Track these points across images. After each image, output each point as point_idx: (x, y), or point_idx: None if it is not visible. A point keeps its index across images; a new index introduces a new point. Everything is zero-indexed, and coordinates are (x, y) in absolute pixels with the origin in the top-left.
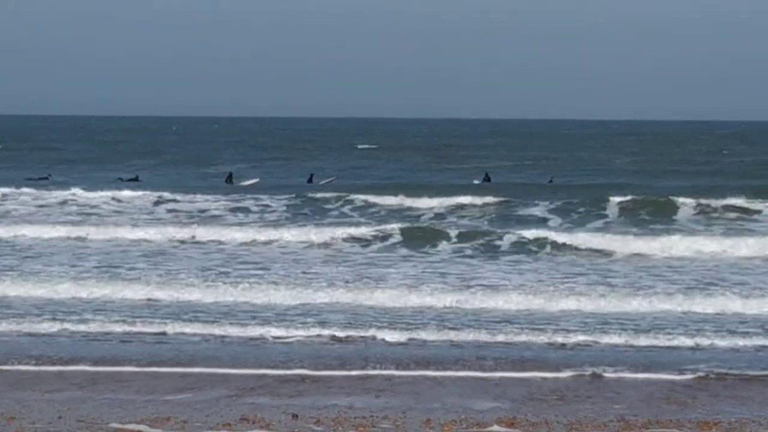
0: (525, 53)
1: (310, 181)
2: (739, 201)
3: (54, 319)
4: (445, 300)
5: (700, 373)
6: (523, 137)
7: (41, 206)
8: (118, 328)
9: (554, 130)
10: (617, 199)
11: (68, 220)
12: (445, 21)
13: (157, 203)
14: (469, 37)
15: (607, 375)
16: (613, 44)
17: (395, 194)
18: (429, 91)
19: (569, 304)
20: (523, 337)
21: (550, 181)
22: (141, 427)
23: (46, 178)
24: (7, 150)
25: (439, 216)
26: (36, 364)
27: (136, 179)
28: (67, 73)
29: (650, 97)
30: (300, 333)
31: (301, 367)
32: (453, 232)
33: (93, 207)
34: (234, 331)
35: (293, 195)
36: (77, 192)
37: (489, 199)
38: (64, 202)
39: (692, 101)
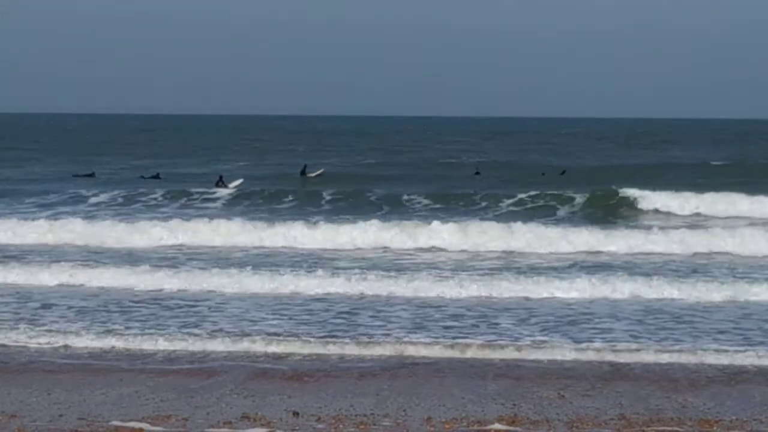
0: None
1: (303, 173)
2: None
3: None
4: None
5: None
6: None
7: None
8: None
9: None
10: None
11: None
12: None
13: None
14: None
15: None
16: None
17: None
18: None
19: None
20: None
21: (477, 173)
22: (142, 424)
23: (92, 175)
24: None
25: None
26: (39, 362)
27: (157, 176)
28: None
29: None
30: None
31: (301, 365)
32: None
33: None
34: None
35: None
36: None
37: None
38: None
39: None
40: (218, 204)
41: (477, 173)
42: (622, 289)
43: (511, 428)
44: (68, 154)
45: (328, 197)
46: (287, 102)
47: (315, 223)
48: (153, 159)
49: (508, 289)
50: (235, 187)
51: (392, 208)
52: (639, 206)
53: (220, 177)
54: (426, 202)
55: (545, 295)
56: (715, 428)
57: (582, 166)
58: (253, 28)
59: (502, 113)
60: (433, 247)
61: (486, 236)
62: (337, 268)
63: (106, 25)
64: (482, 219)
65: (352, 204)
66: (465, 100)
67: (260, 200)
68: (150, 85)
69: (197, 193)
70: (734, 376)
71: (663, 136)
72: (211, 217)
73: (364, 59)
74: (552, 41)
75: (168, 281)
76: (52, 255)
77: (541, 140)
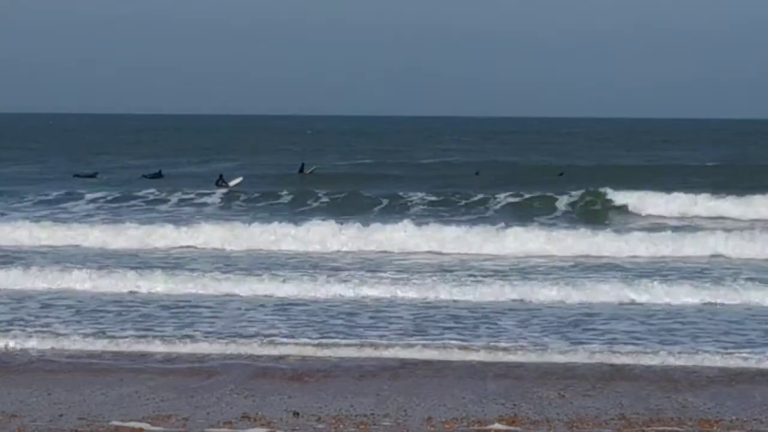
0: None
1: (301, 170)
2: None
3: None
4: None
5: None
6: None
7: None
8: None
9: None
10: None
11: None
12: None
13: None
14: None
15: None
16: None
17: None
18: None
19: None
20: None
21: (476, 173)
22: (142, 424)
23: (94, 175)
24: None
25: None
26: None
27: (159, 174)
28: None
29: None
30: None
31: (301, 364)
32: None
33: None
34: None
35: None
36: None
37: None
38: None
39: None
40: (216, 204)
41: (477, 174)
42: (625, 292)
43: (512, 428)
44: (69, 155)
45: (325, 197)
46: (287, 102)
47: (306, 225)
48: (154, 159)
49: (508, 291)
50: (235, 185)
51: (390, 208)
52: (632, 208)
53: (221, 176)
54: (419, 200)
55: (544, 297)
56: (715, 428)
57: (580, 167)
58: (253, 28)
59: (502, 113)
60: (429, 251)
61: (478, 238)
62: (336, 269)
63: (106, 25)
64: (474, 219)
65: (350, 204)
66: (465, 100)
67: (258, 199)
68: (150, 85)
69: (196, 193)
70: (734, 376)
71: (663, 136)
72: (213, 219)
73: (365, 59)
74: (552, 41)
75: (168, 284)
76: (49, 257)
77: (541, 140)
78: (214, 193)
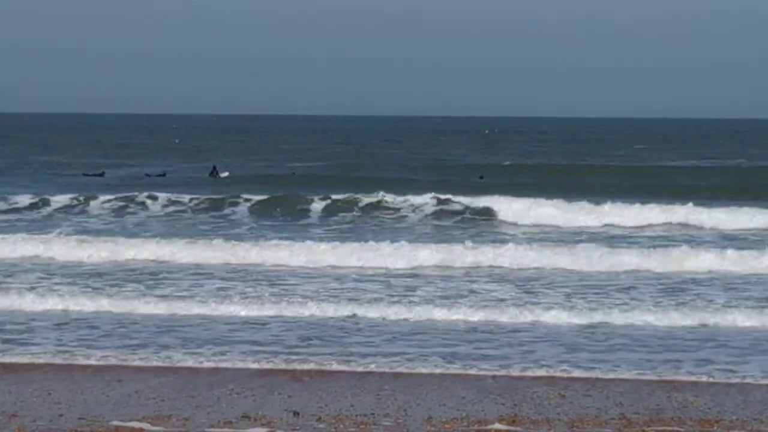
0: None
1: (212, 174)
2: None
3: None
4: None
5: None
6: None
7: None
8: None
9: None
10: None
11: None
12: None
13: None
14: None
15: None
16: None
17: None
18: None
19: None
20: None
21: (481, 177)
22: (142, 424)
23: (101, 175)
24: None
25: None
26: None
27: (163, 175)
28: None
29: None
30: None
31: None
32: None
33: None
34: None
35: None
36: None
37: None
38: None
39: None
40: (211, 211)
41: (481, 177)
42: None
43: (512, 428)
44: (76, 155)
45: (319, 199)
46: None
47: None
48: (156, 158)
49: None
50: (226, 177)
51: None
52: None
53: (214, 167)
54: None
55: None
56: (715, 428)
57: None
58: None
59: (502, 113)
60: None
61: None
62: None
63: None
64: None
65: (336, 209)
66: (464, 99)
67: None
68: (151, 85)
69: (192, 199)
70: (734, 375)
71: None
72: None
73: (364, 57)
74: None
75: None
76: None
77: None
78: (208, 206)
